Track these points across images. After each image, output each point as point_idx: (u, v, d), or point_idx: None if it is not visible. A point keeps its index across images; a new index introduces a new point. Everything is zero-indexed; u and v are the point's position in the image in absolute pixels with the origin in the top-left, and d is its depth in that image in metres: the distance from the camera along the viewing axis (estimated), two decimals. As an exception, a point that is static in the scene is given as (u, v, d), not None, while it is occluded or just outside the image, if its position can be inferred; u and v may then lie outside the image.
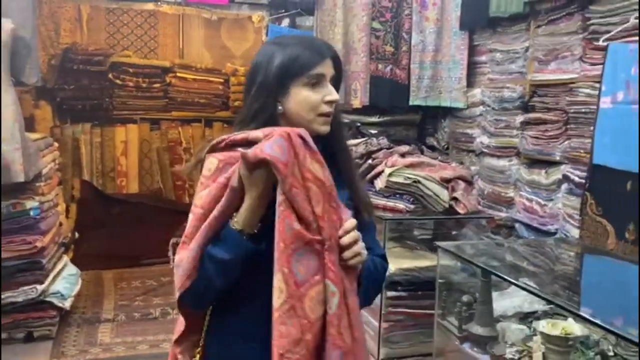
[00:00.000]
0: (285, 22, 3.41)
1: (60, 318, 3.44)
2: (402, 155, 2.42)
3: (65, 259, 3.85)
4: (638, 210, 1.98)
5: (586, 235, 2.24)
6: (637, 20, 2.03)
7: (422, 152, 2.71)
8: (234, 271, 1.15)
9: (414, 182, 2.28)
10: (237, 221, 1.12)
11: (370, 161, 2.49)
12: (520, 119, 2.79)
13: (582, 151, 2.37)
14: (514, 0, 2.70)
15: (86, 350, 3.25)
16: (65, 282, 3.54)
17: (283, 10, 3.45)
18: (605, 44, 2.17)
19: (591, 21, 2.31)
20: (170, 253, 4.96)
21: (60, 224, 3.92)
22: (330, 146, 1.27)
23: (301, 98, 1.23)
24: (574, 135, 2.43)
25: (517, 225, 2.80)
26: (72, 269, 3.79)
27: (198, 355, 1.29)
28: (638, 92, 1.98)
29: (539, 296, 1.51)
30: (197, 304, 1.21)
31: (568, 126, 2.47)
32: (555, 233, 2.51)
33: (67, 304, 3.44)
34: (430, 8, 3.18)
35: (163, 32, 5.85)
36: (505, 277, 1.65)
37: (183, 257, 1.15)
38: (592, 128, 2.26)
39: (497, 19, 2.93)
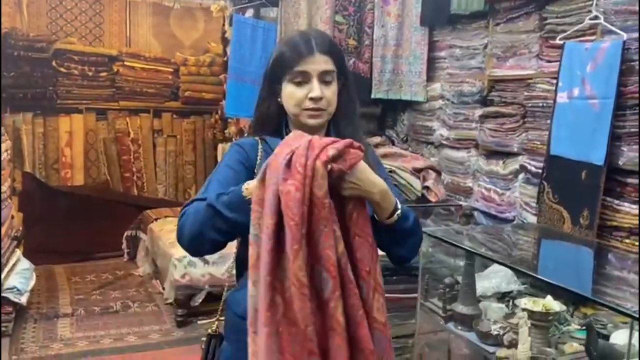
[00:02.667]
0: (250, 12, 3.42)
1: (16, 314, 3.34)
2: (375, 146, 2.52)
3: (18, 253, 3.72)
4: (591, 197, 2.16)
5: (543, 222, 2.42)
6: (592, 21, 2.21)
7: (393, 143, 2.82)
8: (229, 228, 1.19)
9: (389, 172, 2.39)
10: (248, 189, 1.16)
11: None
12: (479, 112, 2.94)
13: (538, 143, 2.53)
14: (474, -2, 2.83)
15: (47, 345, 3.17)
16: (19, 277, 3.43)
17: (247, 1, 3.45)
18: (561, 42, 2.33)
19: (548, 20, 2.47)
20: (124, 246, 4.87)
21: (12, 217, 3.78)
22: (342, 134, 1.32)
23: (287, 94, 1.30)
24: (531, 128, 2.59)
25: (475, 213, 2.96)
26: (25, 263, 3.67)
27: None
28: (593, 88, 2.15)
29: (528, 275, 1.65)
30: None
31: (525, 119, 2.62)
32: (512, 220, 2.69)
33: (23, 300, 3.33)
34: (391, 3, 3.29)
35: (109, 19, 5.69)
36: (493, 258, 1.78)
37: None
38: (548, 121, 2.42)
39: (457, 16, 3.06)
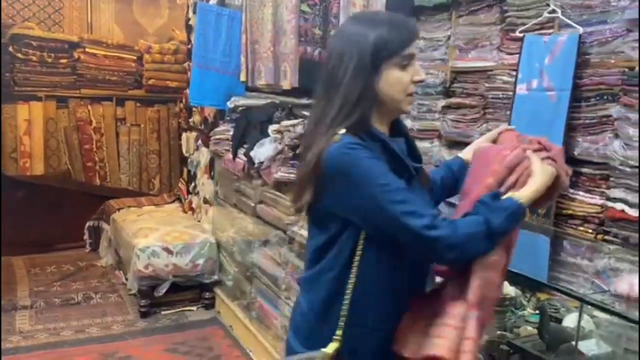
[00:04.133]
0: (214, 0, 3.39)
1: (-29, 307, 3.27)
2: (340, 135, 2.53)
3: (-26, 244, 3.62)
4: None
5: (502, 210, 2.47)
6: (550, 15, 2.26)
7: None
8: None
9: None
10: (522, 196, 1.22)
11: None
12: (442, 103, 2.97)
13: (498, 133, 2.57)
14: (438, -10, 2.84)
15: (4, 338, 3.10)
16: (-25, 269, 3.34)
17: (211, -12, 3.42)
18: (521, 35, 2.38)
19: (508, 13, 2.51)
20: (86, 237, 4.79)
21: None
22: (399, 124, 1.38)
23: (393, 79, 1.22)
24: (492, 119, 2.63)
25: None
26: (-19, 255, 3.58)
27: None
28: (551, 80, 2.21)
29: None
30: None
31: (486, 110, 2.66)
32: (473, 208, 2.74)
33: (-21, 293, 3.25)
34: (357, -7, 3.29)
35: (69, 5, 5.53)
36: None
37: None
38: (508, 112, 2.47)
39: (421, 8, 3.08)
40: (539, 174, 1.27)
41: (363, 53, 1.21)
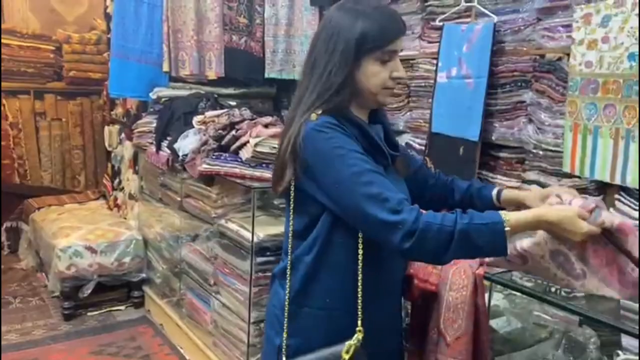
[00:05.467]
0: (134, -13, 3.24)
1: None
2: (266, 126, 2.49)
3: None
4: (468, 171, 2.27)
5: (427, 196, 2.52)
6: (467, 4, 2.31)
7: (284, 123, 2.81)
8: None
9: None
10: (510, 217, 1.12)
11: (233, 132, 2.53)
12: (367, 91, 2.99)
13: (421, 121, 2.62)
14: (360, -21, 2.86)
15: None
16: None
17: (130, -25, 3.27)
18: (441, 24, 2.42)
19: (428, 3, 2.55)
20: (4, 239, 4.51)
21: None
22: (377, 112, 1.37)
23: (371, 73, 1.24)
24: (415, 107, 2.68)
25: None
26: None
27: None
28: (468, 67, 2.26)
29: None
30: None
31: (410, 99, 2.71)
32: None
33: None
34: (281, -18, 3.25)
35: (-22, -9, 5.18)
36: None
37: None
38: (430, 100, 2.52)
39: (344, -4, 3.08)
40: (548, 209, 1.18)
41: (348, 43, 1.23)
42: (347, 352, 1.20)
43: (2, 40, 5.04)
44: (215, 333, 2.82)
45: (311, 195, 1.26)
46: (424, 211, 1.15)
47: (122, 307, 3.70)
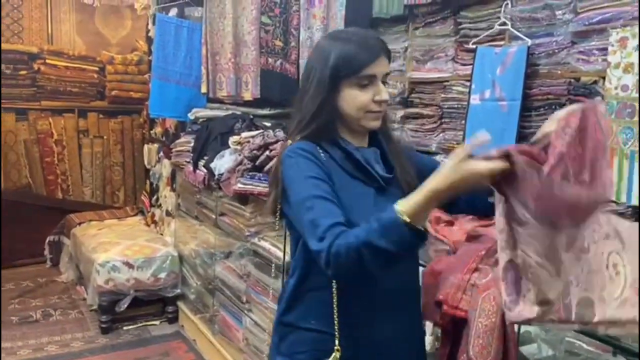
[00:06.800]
0: (174, 11, 3.37)
1: None
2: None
3: None
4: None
5: (460, 217, 2.51)
6: (500, 27, 2.31)
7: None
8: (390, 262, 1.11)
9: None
10: (403, 210, 1.05)
11: (267, 152, 2.58)
12: (401, 113, 3.00)
13: (454, 142, 2.61)
14: (394, 2, 2.89)
15: (-44, 360, 3.00)
16: None
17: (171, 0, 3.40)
18: (474, 46, 2.43)
19: (462, 25, 2.56)
20: (46, 252, 4.67)
21: None
22: (378, 133, 1.36)
23: (350, 98, 1.25)
24: (448, 129, 2.67)
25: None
26: None
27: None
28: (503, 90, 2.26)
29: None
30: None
31: (442, 120, 2.70)
32: (432, 217, 2.77)
33: None
34: (317, 5, 3.31)
35: (29, 15, 5.43)
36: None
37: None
38: (463, 122, 2.51)
39: (379, 20, 3.12)
40: (434, 178, 1.05)
41: (324, 70, 1.26)
42: None
43: (51, 61, 5.28)
44: (247, 350, 2.85)
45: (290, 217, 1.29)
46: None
47: (157, 322, 3.78)
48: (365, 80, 1.25)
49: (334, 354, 1.25)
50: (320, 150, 1.27)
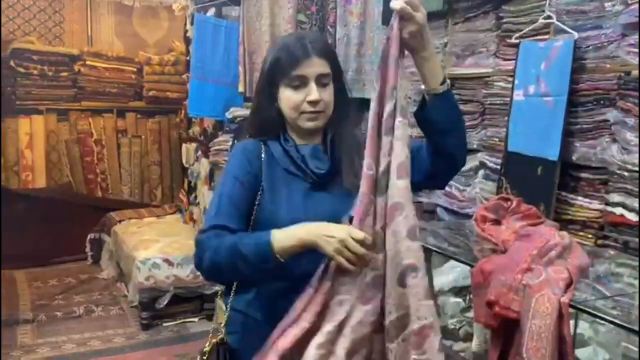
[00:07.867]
0: (211, 11, 3.40)
1: (-30, 321, 3.26)
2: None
3: (-26, 258, 3.62)
4: (547, 192, 2.21)
5: (502, 216, 2.46)
6: (545, 21, 2.26)
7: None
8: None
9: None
10: (276, 236, 1.21)
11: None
12: (440, 109, 2.96)
13: (496, 139, 2.56)
14: (433, -3, 2.85)
15: (6, 353, 3.09)
16: (-24, 283, 3.34)
17: (208, 0, 3.43)
18: (517, 41, 2.38)
19: (504, 20, 2.51)
20: (88, 249, 4.79)
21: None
22: (333, 135, 1.37)
23: (285, 98, 1.31)
24: (490, 125, 2.62)
25: (438, 209, 3.00)
26: (-19, 269, 3.58)
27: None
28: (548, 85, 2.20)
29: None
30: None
31: (484, 117, 2.66)
32: (472, 215, 2.73)
33: (-20, 307, 3.25)
34: (353, 3, 3.29)
35: (69, 18, 5.57)
36: (447, 254, 1.80)
37: None
38: (505, 118, 2.46)
39: (417, 16, 3.07)
40: (308, 228, 1.21)
41: (261, 75, 1.37)
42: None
43: (91, 63, 5.40)
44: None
45: None
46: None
47: (196, 319, 3.82)
48: (295, 81, 1.30)
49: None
50: (264, 148, 1.35)
